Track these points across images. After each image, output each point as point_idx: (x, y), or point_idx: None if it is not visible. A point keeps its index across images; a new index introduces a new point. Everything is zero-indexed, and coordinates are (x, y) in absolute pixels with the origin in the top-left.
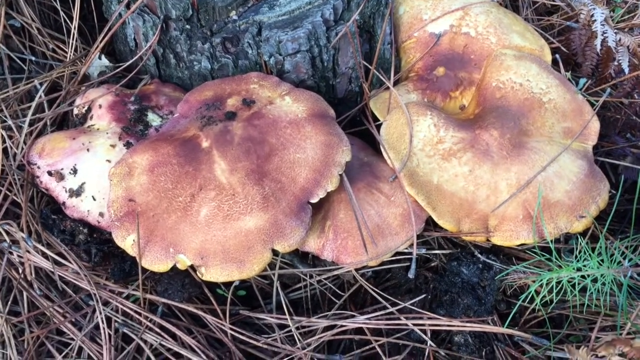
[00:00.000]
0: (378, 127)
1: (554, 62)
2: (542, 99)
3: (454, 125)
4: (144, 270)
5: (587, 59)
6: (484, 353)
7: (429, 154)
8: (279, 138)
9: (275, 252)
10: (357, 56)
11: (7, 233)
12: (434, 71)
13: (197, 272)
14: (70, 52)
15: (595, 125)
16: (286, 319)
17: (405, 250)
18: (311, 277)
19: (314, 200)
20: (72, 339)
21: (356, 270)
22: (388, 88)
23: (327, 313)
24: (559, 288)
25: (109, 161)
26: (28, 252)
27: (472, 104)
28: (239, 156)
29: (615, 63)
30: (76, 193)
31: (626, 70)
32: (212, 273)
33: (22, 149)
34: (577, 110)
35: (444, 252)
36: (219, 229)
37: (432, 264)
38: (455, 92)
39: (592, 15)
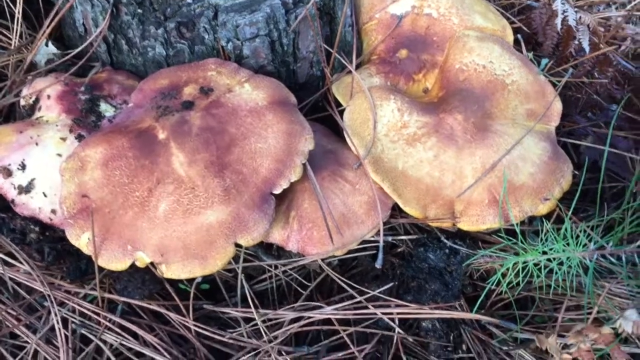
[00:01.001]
0: (341, 112)
1: (516, 43)
2: (505, 81)
3: (418, 110)
4: (101, 269)
5: (547, 38)
6: (451, 337)
7: (393, 140)
8: (239, 127)
9: (238, 246)
10: (317, 39)
11: None
12: (397, 54)
13: (158, 270)
14: (15, 38)
15: (557, 107)
16: (252, 312)
17: (372, 238)
18: (276, 268)
19: (277, 191)
20: (27, 342)
21: (322, 259)
22: (350, 72)
23: (294, 305)
24: (525, 272)
25: (59, 155)
26: None
27: (435, 86)
28: (198, 147)
29: (576, 42)
30: (26, 190)
31: (587, 49)
32: (173, 270)
33: None
34: (540, 92)
35: (410, 237)
36: (179, 224)
37: (399, 250)
38: (418, 74)
39: None
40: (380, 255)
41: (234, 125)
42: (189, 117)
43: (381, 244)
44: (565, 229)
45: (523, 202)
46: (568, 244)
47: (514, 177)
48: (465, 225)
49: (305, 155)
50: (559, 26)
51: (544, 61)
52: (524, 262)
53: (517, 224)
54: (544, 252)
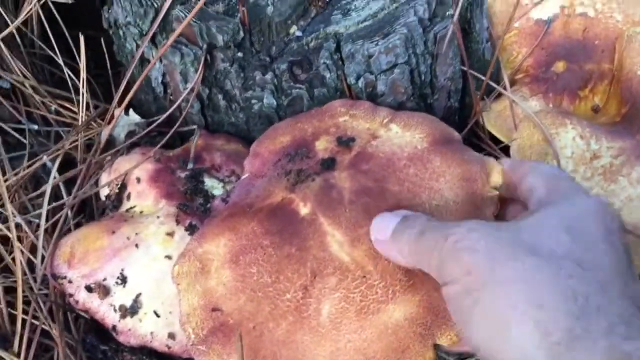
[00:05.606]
0: (502, 149)
1: None
2: None
3: (604, 134)
4: None
5: None
6: None
7: (585, 176)
8: (402, 183)
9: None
10: (464, 61)
11: None
12: (552, 67)
13: None
14: (82, 111)
15: None
16: None
17: None
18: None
19: None
20: None
21: None
22: (498, 98)
23: None
24: None
25: (169, 257)
26: None
27: (611, 102)
28: (358, 219)
29: None
30: (131, 311)
31: None
32: None
33: (42, 255)
34: None
35: None
36: (354, 330)
37: None
38: (584, 90)
39: None
40: None
41: (394, 182)
42: (334, 180)
43: None
44: None
45: None
46: None
47: None
48: None
49: (495, 202)
50: None
51: None
52: None
53: None
54: None
